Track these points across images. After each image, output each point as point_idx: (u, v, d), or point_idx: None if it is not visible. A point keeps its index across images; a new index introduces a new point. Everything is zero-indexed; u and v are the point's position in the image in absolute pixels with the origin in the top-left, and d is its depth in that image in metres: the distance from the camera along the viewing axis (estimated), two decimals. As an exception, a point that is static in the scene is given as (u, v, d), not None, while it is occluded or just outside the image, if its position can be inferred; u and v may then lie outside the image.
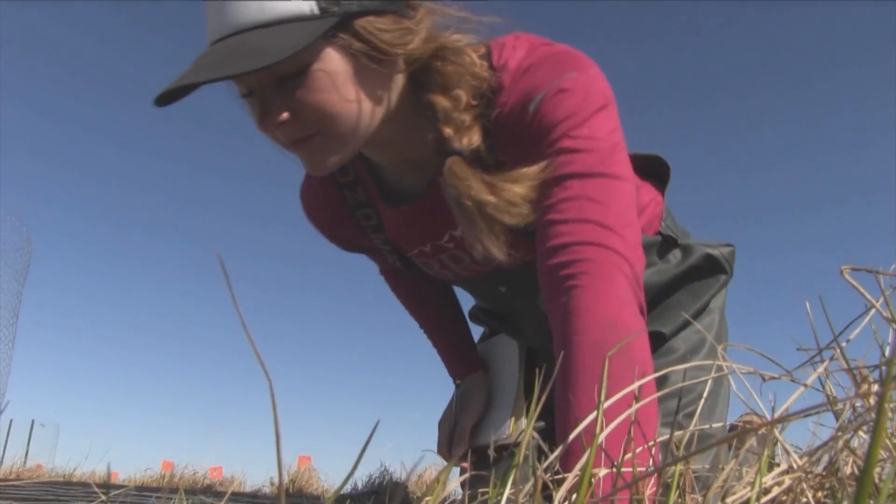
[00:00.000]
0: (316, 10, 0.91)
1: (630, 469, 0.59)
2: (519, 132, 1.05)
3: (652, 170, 1.46)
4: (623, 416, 0.55)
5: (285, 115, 0.96)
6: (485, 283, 1.40)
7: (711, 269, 1.40)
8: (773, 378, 0.57)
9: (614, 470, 0.57)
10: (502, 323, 1.59)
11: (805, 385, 0.54)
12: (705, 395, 1.30)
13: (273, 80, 0.95)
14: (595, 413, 0.49)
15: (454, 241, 1.24)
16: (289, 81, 0.95)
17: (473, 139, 1.06)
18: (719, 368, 1.38)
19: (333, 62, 0.95)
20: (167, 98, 0.90)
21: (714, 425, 1.28)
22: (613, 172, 0.99)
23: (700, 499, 0.53)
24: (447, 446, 1.51)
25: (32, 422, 11.09)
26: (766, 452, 0.46)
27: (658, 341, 1.35)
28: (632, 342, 0.90)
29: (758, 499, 0.44)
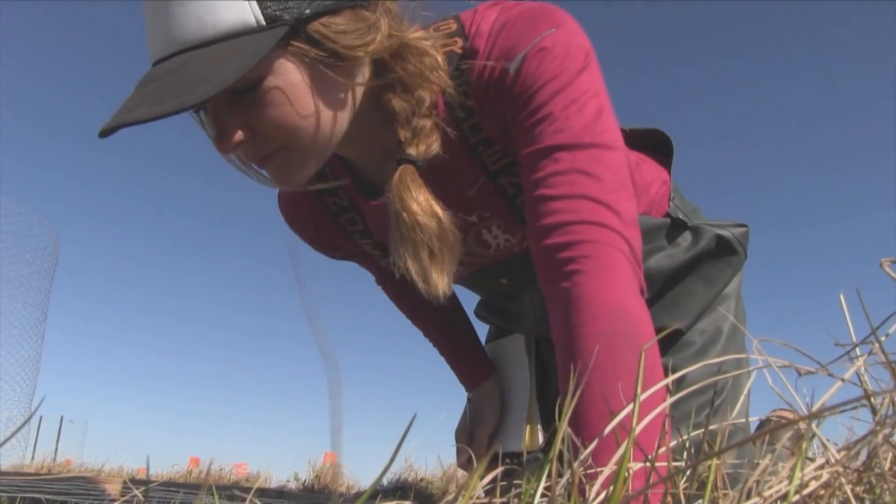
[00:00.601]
0: (262, 21, 0.84)
1: (663, 464, 0.58)
2: (500, 99, 0.99)
3: (653, 144, 1.39)
4: (657, 410, 0.54)
5: (243, 133, 0.91)
6: (484, 276, 1.34)
7: (724, 252, 1.33)
8: (810, 372, 0.57)
9: (647, 464, 0.57)
10: (507, 320, 1.55)
11: (842, 379, 0.53)
12: (726, 390, 1.26)
13: (225, 98, 0.89)
14: (629, 407, 0.49)
15: None
16: (242, 97, 0.89)
17: (432, 147, 1.00)
18: (744, 363, 1.36)
19: (288, 73, 0.89)
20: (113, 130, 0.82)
21: (737, 421, 1.26)
22: (603, 141, 0.94)
23: (735, 495, 0.53)
24: (466, 459, 1.47)
25: (62, 418, 11.27)
26: (804, 445, 0.46)
27: (674, 335, 1.29)
28: (639, 331, 0.86)
29: (796, 492, 0.44)
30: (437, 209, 0.96)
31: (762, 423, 1.66)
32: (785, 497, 0.46)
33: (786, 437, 0.60)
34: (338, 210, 1.28)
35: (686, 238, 1.30)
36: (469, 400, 1.56)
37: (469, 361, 1.55)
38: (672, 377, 0.57)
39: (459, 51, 1.02)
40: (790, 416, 1.57)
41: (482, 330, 1.67)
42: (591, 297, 0.87)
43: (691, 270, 1.31)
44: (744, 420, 1.06)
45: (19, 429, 0.69)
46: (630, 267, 0.90)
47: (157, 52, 0.87)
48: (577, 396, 0.59)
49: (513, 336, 1.57)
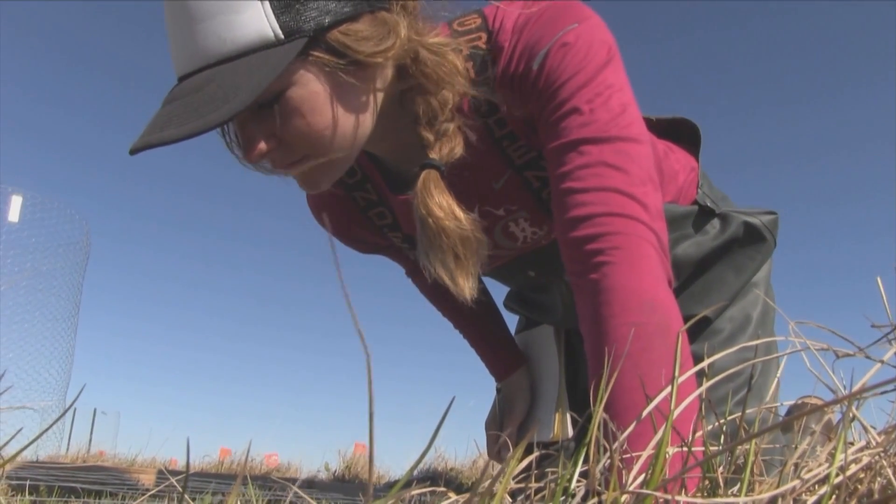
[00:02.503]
0: (281, 35, 0.85)
1: (700, 448, 0.58)
2: (525, 94, 1.00)
3: (680, 133, 1.39)
4: (692, 396, 0.54)
5: (268, 144, 0.92)
6: (512, 269, 1.35)
7: (753, 239, 1.31)
8: (848, 355, 0.56)
9: (683, 449, 0.57)
10: (536, 311, 1.55)
11: (882, 361, 0.53)
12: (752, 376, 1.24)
13: (248, 111, 0.91)
14: (666, 390, 0.49)
15: None
16: (266, 109, 0.90)
17: (455, 150, 1.01)
18: (774, 349, 1.35)
19: (309, 83, 0.89)
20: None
21: (771, 405, 1.24)
22: (629, 135, 0.94)
23: (773, 480, 0.53)
24: (496, 450, 1.49)
25: (95, 410, 11.45)
26: (844, 428, 0.45)
27: (702, 323, 1.29)
28: (670, 322, 0.86)
29: (837, 475, 0.44)
30: (460, 214, 0.97)
31: (790, 410, 1.64)
32: (825, 480, 0.46)
33: (817, 424, 0.60)
34: (366, 205, 1.29)
35: (714, 225, 1.30)
36: (498, 391, 1.56)
37: (499, 352, 1.56)
38: (704, 363, 0.57)
39: (484, 46, 1.02)
40: (818, 403, 1.55)
41: (511, 321, 1.67)
42: (621, 289, 0.87)
43: (720, 258, 1.30)
44: (776, 404, 1.05)
45: (57, 420, 0.70)
46: (658, 258, 0.90)
47: (181, 67, 0.88)
48: (610, 385, 0.60)
49: (542, 326, 1.57)
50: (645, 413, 0.52)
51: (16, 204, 6.18)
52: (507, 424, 1.48)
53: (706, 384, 0.54)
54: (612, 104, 0.94)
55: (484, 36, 1.02)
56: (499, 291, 1.63)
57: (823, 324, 0.61)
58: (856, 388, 0.49)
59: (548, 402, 1.48)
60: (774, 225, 1.35)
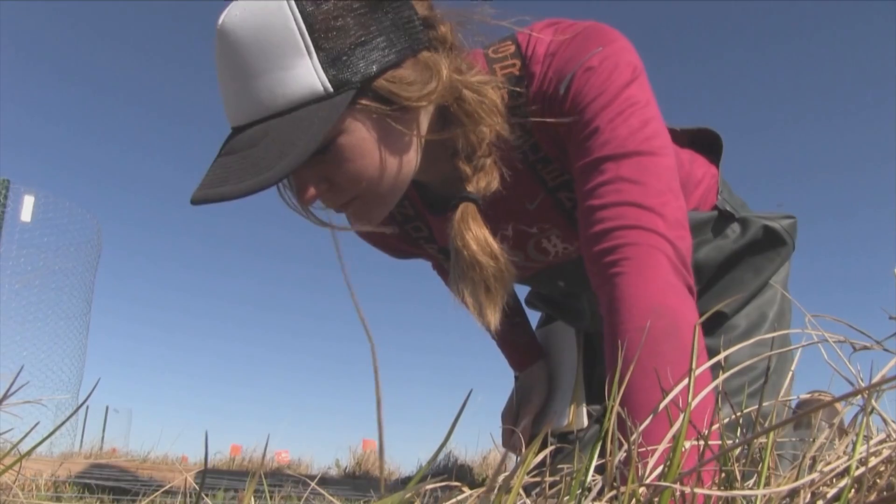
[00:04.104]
0: (330, 88, 0.89)
1: (717, 442, 0.58)
2: (554, 118, 1.03)
3: (704, 142, 1.43)
4: (707, 390, 0.54)
5: (319, 187, 0.97)
6: (542, 278, 1.39)
7: (772, 242, 1.35)
8: (865, 348, 0.56)
9: (699, 442, 0.57)
10: (559, 310, 1.58)
11: (900, 354, 0.52)
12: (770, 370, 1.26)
13: None
14: (683, 382, 0.49)
15: (506, 242, 1.23)
16: (318, 155, 0.93)
17: (492, 184, 1.04)
18: (787, 340, 1.36)
19: (358, 130, 0.93)
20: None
21: (786, 399, 1.25)
22: (647, 149, 0.97)
23: (790, 474, 0.52)
24: (511, 438, 1.52)
25: (107, 408, 11.52)
26: (864, 420, 0.45)
27: (719, 319, 1.32)
28: (679, 324, 0.88)
29: (857, 467, 0.43)
30: (496, 248, 1.02)
31: (799, 405, 1.64)
32: (844, 473, 0.45)
33: (830, 420, 0.59)
34: (403, 219, 1.34)
35: (734, 229, 1.33)
36: (517, 379, 1.60)
37: (520, 347, 1.60)
38: (718, 357, 0.57)
39: (518, 73, 1.06)
40: (827, 399, 1.55)
41: (532, 316, 1.71)
42: (629, 297, 0.91)
43: (740, 261, 1.34)
44: (790, 398, 1.05)
45: (71, 415, 0.71)
46: (670, 266, 0.93)
47: (235, 119, 0.93)
48: (621, 389, 0.61)
49: (562, 323, 1.61)
50: (662, 405, 0.52)
51: (28, 204, 6.20)
52: (524, 414, 1.51)
53: (721, 377, 0.53)
54: (633, 121, 0.98)
55: (518, 63, 1.07)
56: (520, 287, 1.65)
57: (840, 317, 0.60)
58: (875, 379, 0.49)
59: (565, 393, 1.51)
60: (793, 228, 1.39)
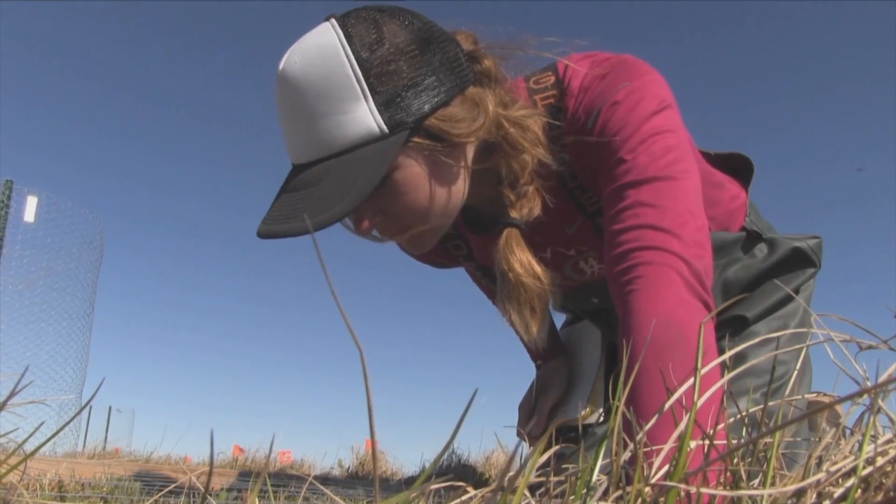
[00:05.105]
0: (385, 129, 0.94)
1: (722, 441, 0.58)
2: (586, 150, 1.08)
3: (735, 167, 1.48)
4: (716, 386, 0.54)
5: (373, 220, 1.03)
6: (577, 294, 1.45)
7: (800, 262, 1.39)
8: (872, 347, 0.55)
9: (704, 442, 0.57)
10: (600, 323, 1.62)
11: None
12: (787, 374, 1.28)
13: None
14: (689, 382, 0.49)
15: (544, 262, 1.27)
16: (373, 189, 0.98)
17: (534, 210, 1.10)
18: (807, 358, 1.37)
19: (411, 167, 0.99)
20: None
21: (795, 398, 1.26)
22: (667, 174, 1.02)
23: (797, 474, 0.52)
24: (526, 426, 1.55)
25: (110, 408, 11.55)
26: (871, 420, 0.45)
27: (740, 325, 1.34)
28: (686, 335, 0.90)
29: (864, 467, 0.43)
30: (539, 270, 1.08)
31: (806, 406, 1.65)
32: (851, 473, 0.45)
33: (832, 421, 0.59)
34: (444, 237, 1.39)
35: (762, 249, 1.38)
36: (538, 367, 1.66)
37: (543, 344, 1.63)
38: (728, 353, 0.57)
39: (556, 103, 1.12)
40: (829, 400, 1.56)
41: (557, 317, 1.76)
42: (639, 311, 0.95)
43: (768, 279, 1.38)
44: (797, 397, 1.05)
45: (76, 415, 0.71)
46: (683, 282, 0.96)
47: (296, 157, 0.99)
48: (626, 392, 0.62)
49: (587, 323, 1.66)
50: (668, 405, 0.52)
51: (31, 204, 6.21)
52: (541, 402, 1.56)
53: (727, 376, 0.53)
54: (654, 149, 1.03)
55: (556, 94, 1.12)
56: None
57: (847, 316, 0.60)
58: (881, 378, 0.49)
59: (584, 387, 1.55)
60: (819, 248, 1.43)
